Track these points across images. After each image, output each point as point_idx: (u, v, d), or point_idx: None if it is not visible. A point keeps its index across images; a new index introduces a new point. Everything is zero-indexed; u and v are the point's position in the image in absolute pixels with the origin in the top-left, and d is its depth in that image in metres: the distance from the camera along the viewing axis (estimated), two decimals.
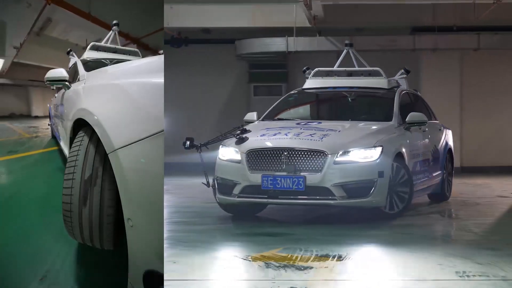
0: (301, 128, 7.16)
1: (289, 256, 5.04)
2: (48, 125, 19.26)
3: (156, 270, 3.22)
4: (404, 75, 9.01)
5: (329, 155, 6.56)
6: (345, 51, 9.74)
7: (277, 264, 4.73)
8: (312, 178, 6.52)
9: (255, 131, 7.20)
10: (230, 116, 15.79)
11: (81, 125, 4.55)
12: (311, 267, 4.67)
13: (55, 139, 14.20)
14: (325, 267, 4.70)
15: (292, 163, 6.59)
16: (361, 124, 7.60)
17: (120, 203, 3.38)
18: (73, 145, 4.30)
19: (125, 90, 4.09)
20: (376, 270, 4.69)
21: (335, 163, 6.56)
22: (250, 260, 4.89)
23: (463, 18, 13.67)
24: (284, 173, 6.58)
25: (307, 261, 4.89)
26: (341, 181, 6.54)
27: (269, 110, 8.41)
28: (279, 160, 6.64)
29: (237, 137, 6.97)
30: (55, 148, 12.98)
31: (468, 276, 4.43)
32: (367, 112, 8.42)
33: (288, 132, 7.02)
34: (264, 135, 7.10)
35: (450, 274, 4.50)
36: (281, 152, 6.67)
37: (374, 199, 6.63)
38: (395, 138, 7.27)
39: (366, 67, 9.28)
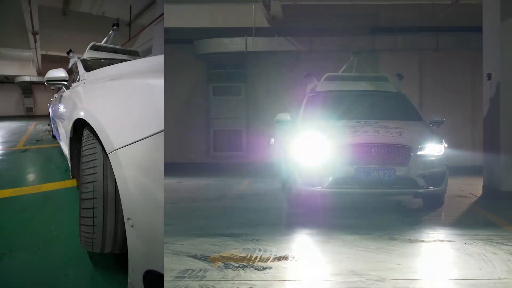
0: (371, 126, 7.84)
1: (248, 257, 4.98)
2: (48, 125, 18.71)
3: (156, 270, 3.22)
4: (398, 80, 9.70)
5: (413, 149, 7.35)
6: (352, 58, 10.46)
7: (236, 265, 4.67)
8: (400, 170, 7.25)
9: (331, 129, 7.82)
10: (189, 116, 15.70)
11: (81, 125, 4.50)
12: (270, 268, 4.62)
13: (55, 138, 13.78)
14: (284, 267, 4.65)
15: (382, 156, 7.29)
16: (413, 123, 8.34)
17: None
18: (84, 147, 4.21)
19: (125, 90, 4.10)
20: (337, 269, 4.64)
21: (417, 156, 7.36)
22: (208, 261, 4.81)
23: (422, 18, 13.80)
24: (376, 166, 7.23)
25: (266, 261, 4.84)
26: (423, 172, 7.36)
27: (303, 110, 8.93)
28: (369, 154, 7.28)
29: (322, 133, 7.61)
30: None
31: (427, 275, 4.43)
32: (395, 112, 8.91)
33: (367, 130, 7.70)
34: (345, 132, 7.66)
35: (409, 274, 4.48)
36: (370, 147, 7.31)
37: (444, 187, 7.58)
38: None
39: (368, 72, 10.11)
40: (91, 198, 3.92)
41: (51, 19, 20.29)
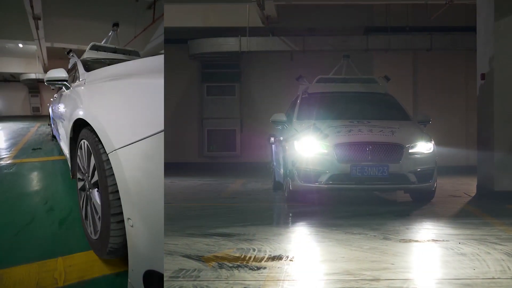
0: (365, 126, 8.28)
1: (242, 256, 4.97)
2: (48, 125, 18.39)
3: (156, 270, 3.21)
4: (385, 82, 10.01)
5: (405, 147, 7.86)
6: (342, 61, 10.83)
7: (230, 265, 4.66)
8: (393, 167, 7.79)
9: (327, 129, 8.17)
10: (183, 116, 15.68)
11: (81, 125, 4.46)
12: (265, 267, 4.60)
13: (55, 138, 13.47)
14: (278, 267, 4.64)
15: (377, 154, 7.79)
16: (403, 122, 8.78)
17: None
18: (99, 146, 4.09)
19: (125, 90, 4.09)
20: (329, 269, 4.63)
21: (409, 154, 7.89)
22: (203, 261, 4.80)
23: (415, 18, 13.82)
24: (370, 163, 7.74)
25: (260, 261, 4.83)
26: (414, 169, 7.89)
27: (297, 111, 9.20)
28: (364, 152, 7.78)
29: (319, 133, 8.02)
30: None
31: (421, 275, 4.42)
32: (385, 113, 9.29)
33: (361, 129, 8.16)
34: (340, 132, 8.09)
35: (403, 274, 4.47)
36: (365, 146, 7.80)
37: (433, 183, 8.11)
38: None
39: (358, 74, 10.44)
40: (118, 198, 3.79)
41: (57, 3, 16.72)
